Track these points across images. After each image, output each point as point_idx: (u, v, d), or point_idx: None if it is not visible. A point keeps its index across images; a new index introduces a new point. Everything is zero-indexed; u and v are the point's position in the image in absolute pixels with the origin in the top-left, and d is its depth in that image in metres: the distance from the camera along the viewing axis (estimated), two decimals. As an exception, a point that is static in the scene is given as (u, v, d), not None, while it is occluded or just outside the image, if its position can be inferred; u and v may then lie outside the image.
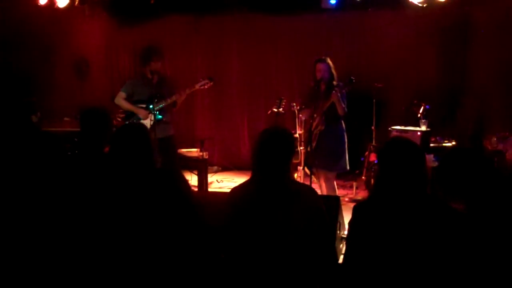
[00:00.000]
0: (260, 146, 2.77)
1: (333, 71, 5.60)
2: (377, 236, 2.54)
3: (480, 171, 2.59)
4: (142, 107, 5.90)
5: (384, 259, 2.52)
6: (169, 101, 5.85)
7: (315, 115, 5.50)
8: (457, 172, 2.61)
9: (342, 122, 5.63)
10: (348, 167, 5.73)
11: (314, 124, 5.50)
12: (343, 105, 5.44)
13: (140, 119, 5.89)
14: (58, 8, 7.71)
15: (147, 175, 2.80)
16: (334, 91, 5.37)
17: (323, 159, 5.52)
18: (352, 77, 5.44)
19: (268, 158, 2.73)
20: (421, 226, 2.48)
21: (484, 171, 2.60)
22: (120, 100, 5.95)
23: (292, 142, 2.85)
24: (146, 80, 5.91)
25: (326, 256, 2.76)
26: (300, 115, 5.95)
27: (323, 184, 5.68)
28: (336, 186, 5.74)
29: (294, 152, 2.88)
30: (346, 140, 5.66)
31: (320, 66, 5.55)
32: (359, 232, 2.62)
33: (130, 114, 5.98)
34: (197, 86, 6.04)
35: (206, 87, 6.12)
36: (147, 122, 5.83)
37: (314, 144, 5.47)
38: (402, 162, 2.54)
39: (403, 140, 2.69)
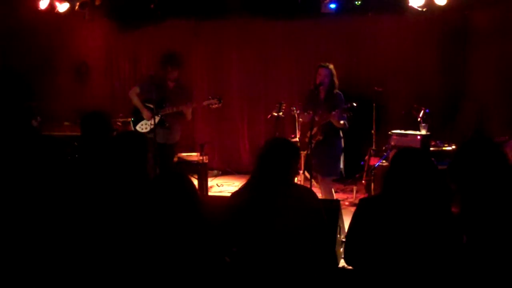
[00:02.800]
0: (264, 155, 2.96)
1: (335, 79, 5.60)
2: (378, 228, 2.63)
3: (495, 160, 2.73)
4: (149, 107, 5.90)
5: (382, 250, 2.62)
6: (175, 109, 5.83)
7: (315, 121, 5.52)
8: (474, 158, 2.75)
9: (340, 132, 5.65)
10: (343, 171, 5.77)
11: (313, 131, 5.52)
12: (342, 123, 5.48)
13: (142, 119, 5.94)
14: (59, 13, 7.73)
15: (142, 181, 2.84)
16: (334, 112, 5.39)
17: (319, 166, 5.56)
18: (354, 103, 5.43)
19: (269, 167, 2.90)
20: (420, 225, 2.57)
21: (498, 160, 2.74)
22: (133, 94, 6.02)
23: (295, 155, 3.02)
24: (164, 83, 5.91)
25: (325, 256, 2.84)
26: (300, 119, 5.95)
27: (323, 188, 5.70)
28: (333, 190, 5.78)
29: (296, 161, 3.03)
30: (342, 146, 5.70)
31: (321, 71, 5.56)
32: (361, 222, 2.72)
33: (135, 112, 6.02)
34: (204, 103, 6.03)
35: (213, 107, 6.07)
36: (148, 124, 5.86)
37: (312, 147, 5.48)
38: (415, 173, 2.66)
39: (416, 151, 2.88)
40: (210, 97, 6.12)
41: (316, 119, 5.49)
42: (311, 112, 5.48)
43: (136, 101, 5.99)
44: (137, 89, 6.02)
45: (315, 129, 5.51)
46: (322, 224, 2.87)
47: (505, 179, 2.69)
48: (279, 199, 2.80)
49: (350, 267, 3.89)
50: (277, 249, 2.74)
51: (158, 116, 5.78)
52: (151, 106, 5.85)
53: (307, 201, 2.87)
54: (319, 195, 5.48)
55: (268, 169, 2.88)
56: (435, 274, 2.52)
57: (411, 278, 2.54)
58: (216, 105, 6.06)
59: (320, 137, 5.55)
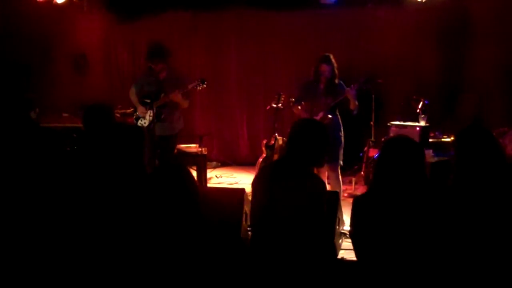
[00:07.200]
0: (297, 134, 3.11)
1: (336, 70, 5.59)
2: (377, 226, 2.63)
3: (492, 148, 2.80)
4: (145, 102, 5.91)
5: (385, 244, 2.62)
6: (166, 99, 5.76)
7: (315, 109, 5.50)
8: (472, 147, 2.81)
9: (339, 119, 5.67)
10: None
11: (320, 116, 5.50)
12: (356, 102, 5.46)
13: (139, 116, 5.96)
14: (57, 4, 7.71)
15: (139, 173, 2.85)
16: (348, 89, 5.37)
17: (330, 151, 5.45)
18: (375, 78, 5.36)
19: (297, 145, 3.05)
20: (418, 215, 2.58)
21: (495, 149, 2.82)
22: (132, 94, 6.07)
23: (323, 137, 3.12)
24: (155, 75, 5.86)
25: (324, 246, 2.90)
26: (294, 110, 5.90)
27: (330, 175, 5.66)
28: (340, 176, 5.77)
29: (323, 146, 3.12)
30: (342, 131, 5.73)
31: (324, 67, 5.51)
32: (360, 223, 2.74)
33: (135, 110, 6.05)
34: (189, 87, 5.90)
35: (199, 88, 5.97)
36: (147, 119, 5.88)
37: None
38: (402, 160, 2.66)
39: (403, 138, 2.81)
40: (195, 80, 6.00)
41: (317, 111, 5.49)
42: (305, 103, 5.47)
43: (133, 99, 6.05)
44: (133, 89, 6.06)
45: (322, 113, 5.50)
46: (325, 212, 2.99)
47: (500, 167, 2.74)
48: (295, 186, 2.93)
49: (348, 258, 3.94)
50: (280, 234, 2.84)
51: (152, 109, 5.75)
52: (149, 101, 5.87)
53: (315, 186, 3.00)
54: (328, 187, 5.43)
55: (296, 152, 3.01)
56: (437, 265, 2.53)
57: (416, 271, 2.56)
58: (201, 87, 5.94)
59: (328, 122, 5.45)
